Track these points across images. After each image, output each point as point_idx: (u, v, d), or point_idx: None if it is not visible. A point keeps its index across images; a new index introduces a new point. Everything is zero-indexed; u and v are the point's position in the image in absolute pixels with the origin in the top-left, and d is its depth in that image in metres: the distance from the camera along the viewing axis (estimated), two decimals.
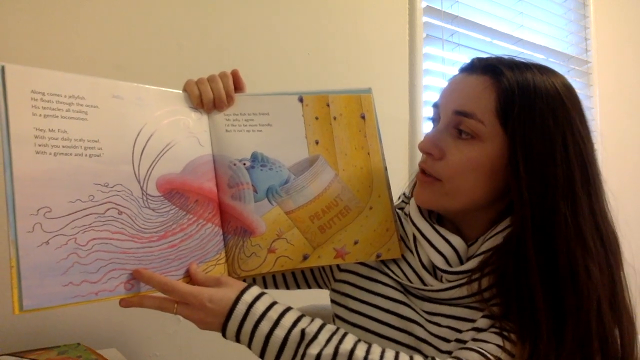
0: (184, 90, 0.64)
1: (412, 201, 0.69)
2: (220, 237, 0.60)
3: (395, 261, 0.69)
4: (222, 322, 0.53)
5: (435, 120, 0.65)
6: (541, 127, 0.56)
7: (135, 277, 0.54)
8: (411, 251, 0.67)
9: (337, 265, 0.72)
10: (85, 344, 0.81)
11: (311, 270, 0.77)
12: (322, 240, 0.65)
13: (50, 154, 0.50)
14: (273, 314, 0.53)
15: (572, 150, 0.56)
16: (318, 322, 0.54)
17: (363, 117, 0.69)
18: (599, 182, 0.60)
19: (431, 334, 0.60)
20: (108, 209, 0.52)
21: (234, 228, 0.61)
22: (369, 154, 0.69)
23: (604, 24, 2.05)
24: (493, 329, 0.55)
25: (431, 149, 0.60)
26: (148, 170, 0.56)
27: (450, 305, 0.61)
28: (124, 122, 0.55)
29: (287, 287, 0.79)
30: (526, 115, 0.56)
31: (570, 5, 1.98)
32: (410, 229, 0.68)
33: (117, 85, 0.56)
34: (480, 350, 0.53)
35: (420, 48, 1.47)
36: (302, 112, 0.67)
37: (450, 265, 0.61)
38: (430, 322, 0.61)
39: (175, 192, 0.57)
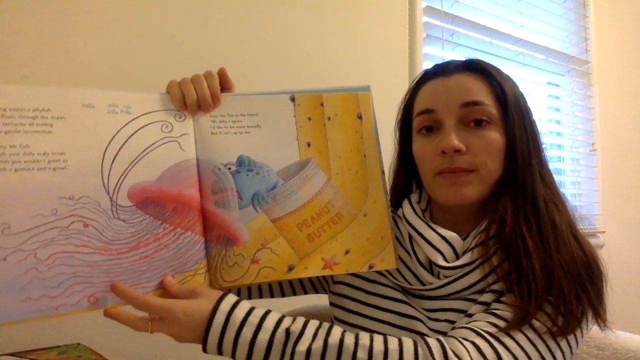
0: (167, 92, 0.61)
1: (406, 203, 0.71)
2: (200, 246, 0.58)
3: None
4: (201, 335, 0.51)
5: (430, 127, 0.65)
6: (517, 101, 0.65)
7: (111, 290, 0.53)
8: (407, 251, 0.68)
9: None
10: (85, 344, 0.81)
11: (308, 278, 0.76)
12: (310, 250, 0.62)
13: (11, 170, 0.49)
14: (254, 319, 0.52)
15: (533, 120, 0.68)
16: (301, 319, 0.53)
17: (360, 117, 0.65)
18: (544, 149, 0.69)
19: (431, 329, 0.61)
20: (72, 222, 0.51)
21: (217, 236, 0.58)
22: (365, 156, 0.65)
23: (604, 24, 2.05)
24: (487, 311, 0.57)
25: (458, 146, 0.61)
26: (119, 180, 0.54)
27: (447, 299, 0.62)
28: (95, 131, 0.53)
29: (272, 296, 0.78)
30: (509, 94, 0.64)
31: (570, 5, 1.98)
32: (405, 230, 0.69)
33: (88, 93, 0.54)
34: (471, 326, 0.54)
35: (420, 48, 1.47)
36: (293, 112, 0.63)
37: (447, 261, 0.62)
38: (430, 319, 0.62)
39: (150, 201, 0.55)
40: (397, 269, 0.68)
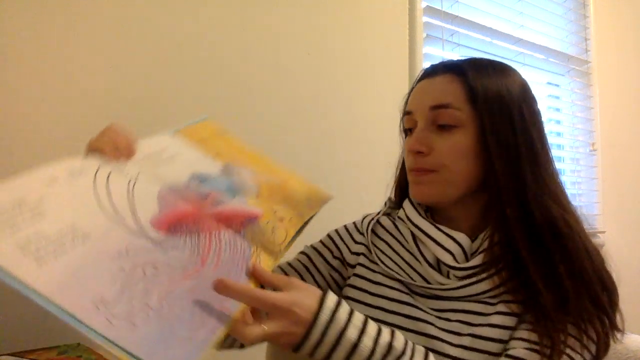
0: (93, 152, 0.57)
1: (407, 204, 0.72)
2: (240, 236, 0.59)
3: (397, 264, 0.69)
4: (304, 332, 0.49)
5: (410, 128, 0.69)
6: (501, 102, 0.63)
7: (223, 293, 0.48)
8: (411, 252, 0.68)
9: (341, 275, 0.75)
10: (85, 344, 0.81)
11: (324, 281, 0.76)
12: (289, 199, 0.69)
13: (51, 258, 0.46)
14: (357, 322, 0.51)
15: (529, 120, 0.64)
16: (400, 337, 0.54)
17: (223, 134, 0.72)
18: (550, 151, 0.67)
19: (441, 329, 0.61)
20: (144, 270, 0.50)
21: (240, 223, 0.60)
22: (253, 155, 0.73)
23: (604, 24, 2.05)
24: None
25: (420, 147, 0.64)
26: (137, 223, 0.53)
27: (459, 300, 0.63)
28: (78, 199, 0.51)
29: None
30: (488, 95, 0.63)
31: (570, 5, 1.98)
32: (407, 231, 0.70)
33: (45, 172, 0.52)
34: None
35: (420, 48, 1.47)
36: (184, 140, 0.67)
37: (457, 262, 0.63)
38: (440, 318, 0.62)
39: (172, 226, 0.55)
40: (402, 268, 0.68)
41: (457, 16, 1.58)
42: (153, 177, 0.60)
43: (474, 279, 0.61)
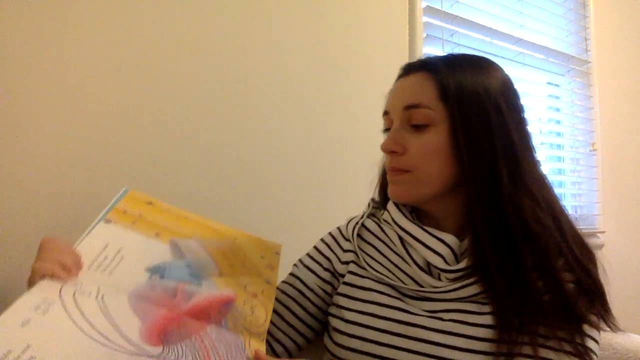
0: (36, 280, 0.55)
1: (391, 206, 0.72)
2: (224, 328, 0.58)
3: (386, 267, 0.69)
4: None
5: (388, 128, 0.69)
6: (475, 99, 0.61)
7: None
8: (400, 255, 0.68)
9: (338, 280, 0.74)
10: None
11: (318, 311, 0.75)
12: (252, 270, 0.69)
13: None
14: None
15: (508, 117, 0.62)
16: None
17: (150, 203, 0.71)
18: (534, 149, 0.65)
19: (435, 330, 0.60)
20: None
21: (218, 312, 0.59)
22: (185, 217, 0.72)
23: (604, 24, 2.05)
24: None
25: (393, 147, 0.65)
26: (130, 342, 0.52)
27: (453, 301, 0.62)
28: (64, 336, 0.49)
29: (318, 335, 0.76)
30: (462, 92, 0.61)
31: (570, 5, 1.98)
32: (394, 234, 0.69)
33: (14, 316, 0.49)
34: None
35: (420, 48, 1.47)
36: (120, 226, 0.65)
37: (448, 264, 0.62)
38: (432, 318, 0.62)
39: (162, 336, 0.54)
40: (393, 273, 0.68)
41: (457, 16, 1.58)
42: (113, 288, 0.57)
43: (465, 281, 0.61)
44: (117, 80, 1.00)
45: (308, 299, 0.74)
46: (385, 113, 0.70)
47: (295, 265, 0.79)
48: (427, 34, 1.51)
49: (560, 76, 1.93)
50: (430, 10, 1.52)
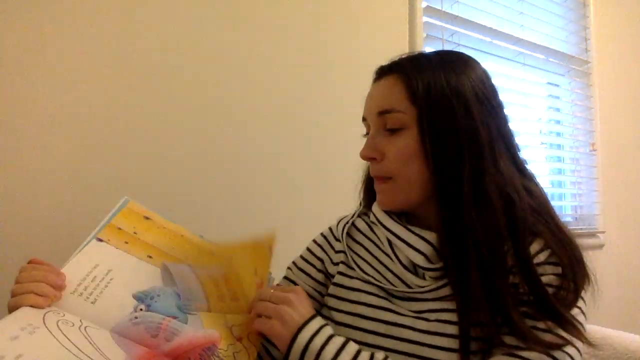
0: (21, 306, 0.53)
1: (375, 206, 0.71)
2: None
3: (375, 268, 0.69)
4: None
5: (368, 133, 0.69)
6: (443, 99, 0.60)
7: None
8: (388, 255, 0.68)
9: (330, 281, 0.73)
10: None
11: (316, 303, 0.74)
12: (242, 306, 0.67)
13: None
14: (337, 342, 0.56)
15: (479, 114, 0.60)
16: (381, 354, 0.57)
17: (147, 218, 0.70)
18: (512, 148, 0.63)
19: (421, 331, 0.60)
20: None
21: (198, 357, 0.58)
22: (182, 235, 0.71)
23: (604, 24, 2.05)
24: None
25: (371, 153, 0.65)
26: None
27: (438, 300, 0.62)
28: (46, 348, 0.48)
29: None
30: (430, 92, 0.60)
31: (570, 5, 1.98)
32: (382, 234, 0.69)
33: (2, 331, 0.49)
34: None
35: (420, 48, 1.47)
36: (112, 246, 0.64)
37: (431, 262, 0.62)
38: (419, 318, 0.62)
39: None
40: (380, 273, 0.68)
41: (457, 16, 1.58)
42: (96, 320, 0.56)
43: (445, 280, 0.61)
44: (115, 83, 1.00)
45: None
46: (364, 119, 0.69)
47: (289, 268, 0.78)
48: (427, 34, 1.51)
49: (560, 76, 1.93)
50: (430, 10, 1.52)
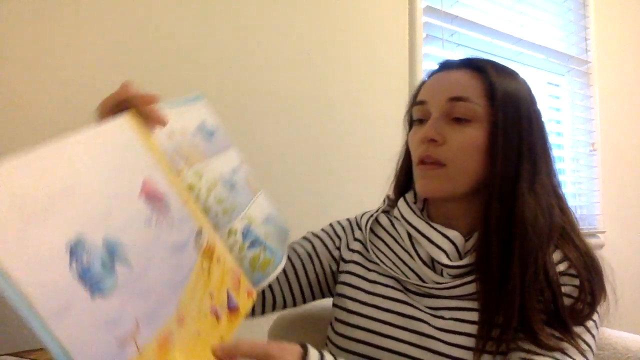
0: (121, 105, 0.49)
1: (402, 202, 0.72)
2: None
3: (393, 262, 0.69)
4: None
5: (421, 119, 0.67)
6: (515, 104, 0.64)
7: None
8: (407, 251, 0.68)
9: (337, 268, 0.74)
10: None
11: (316, 280, 0.75)
12: None
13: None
14: None
15: (535, 124, 0.65)
16: None
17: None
18: (551, 155, 0.68)
19: (437, 328, 0.61)
20: None
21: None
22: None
23: (604, 24, 2.05)
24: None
25: (435, 135, 0.63)
26: None
27: (454, 299, 0.63)
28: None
29: (295, 305, 0.76)
30: (505, 94, 0.63)
31: (570, 5, 1.98)
32: (403, 229, 0.70)
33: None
34: None
35: (420, 48, 1.47)
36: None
37: (450, 260, 0.63)
38: (434, 316, 0.62)
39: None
40: (397, 266, 0.68)
41: (457, 16, 1.58)
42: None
43: (467, 278, 0.61)
44: (115, 84, 1.00)
45: (314, 265, 0.75)
46: (420, 103, 0.68)
47: (310, 232, 0.80)
48: (427, 34, 1.51)
49: (560, 76, 1.93)
50: (430, 10, 1.52)
